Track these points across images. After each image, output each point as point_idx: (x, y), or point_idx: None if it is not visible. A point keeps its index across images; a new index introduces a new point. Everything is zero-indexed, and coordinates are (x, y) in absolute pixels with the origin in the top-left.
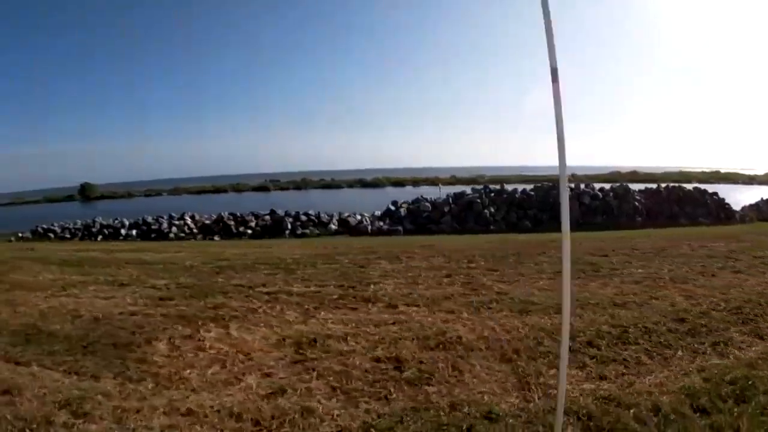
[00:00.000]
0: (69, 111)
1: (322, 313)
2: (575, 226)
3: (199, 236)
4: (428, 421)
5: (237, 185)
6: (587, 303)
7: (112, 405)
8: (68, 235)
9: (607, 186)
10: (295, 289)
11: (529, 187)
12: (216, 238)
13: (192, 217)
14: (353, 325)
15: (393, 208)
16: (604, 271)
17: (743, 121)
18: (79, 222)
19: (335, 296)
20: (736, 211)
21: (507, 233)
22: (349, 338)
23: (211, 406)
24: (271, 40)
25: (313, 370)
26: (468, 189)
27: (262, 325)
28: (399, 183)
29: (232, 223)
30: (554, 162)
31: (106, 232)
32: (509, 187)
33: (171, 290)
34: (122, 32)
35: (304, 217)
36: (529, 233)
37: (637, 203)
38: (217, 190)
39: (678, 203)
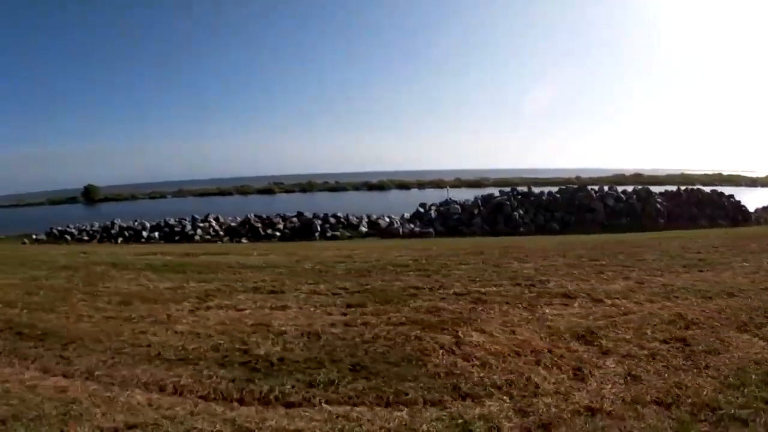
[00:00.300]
0: (69, 111)
1: (546, 309)
2: (600, 228)
3: (226, 238)
4: (759, 372)
5: (242, 188)
6: (740, 289)
7: None
8: (86, 237)
9: (629, 188)
10: (483, 290)
11: (554, 189)
12: (243, 240)
13: (216, 219)
14: (593, 318)
15: (422, 210)
16: (719, 265)
17: (742, 122)
18: (96, 224)
19: (532, 294)
20: (751, 213)
21: (536, 235)
22: (610, 327)
23: (617, 401)
24: (270, 41)
25: (629, 356)
26: (496, 191)
27: (510, 324)
28: (404, 186)
29: (259, 225)
30: (556, 164)
31: (127, 234)
32: (536, 190)
33: (344, 296)
34: (122, 32)
35: (333, 219)
36: (557, 234)
37: (659, 205)
38: (222, 193)
39: (697, 205)
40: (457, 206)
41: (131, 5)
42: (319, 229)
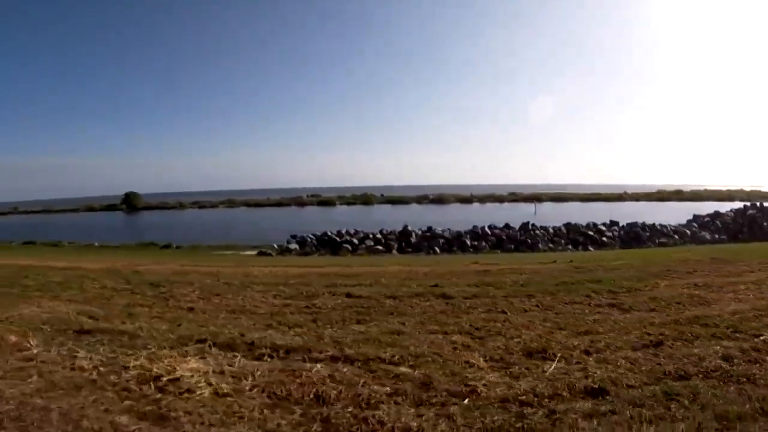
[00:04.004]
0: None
1: None
2: None
3: (559, 247)
4: None
5: (299, 199)
6: None
7: None
8: (379, 246)
9: None
10: None
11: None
12: (581, 249)
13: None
14: None
15: (701, 220)
16: None
17: (746, 139)
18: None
19: None
20: None
21: None
22: None
23: None
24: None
25: None
26: (740, 205)
27: None
28: (466, 200)
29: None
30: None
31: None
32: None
33: None
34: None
35: (648, 230)
36: None
37: None
38: (278, 204)
39: None
40: (728, 217)
41: (178, 15)
42: (645, 237)
